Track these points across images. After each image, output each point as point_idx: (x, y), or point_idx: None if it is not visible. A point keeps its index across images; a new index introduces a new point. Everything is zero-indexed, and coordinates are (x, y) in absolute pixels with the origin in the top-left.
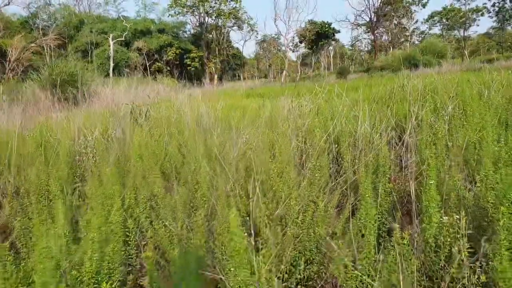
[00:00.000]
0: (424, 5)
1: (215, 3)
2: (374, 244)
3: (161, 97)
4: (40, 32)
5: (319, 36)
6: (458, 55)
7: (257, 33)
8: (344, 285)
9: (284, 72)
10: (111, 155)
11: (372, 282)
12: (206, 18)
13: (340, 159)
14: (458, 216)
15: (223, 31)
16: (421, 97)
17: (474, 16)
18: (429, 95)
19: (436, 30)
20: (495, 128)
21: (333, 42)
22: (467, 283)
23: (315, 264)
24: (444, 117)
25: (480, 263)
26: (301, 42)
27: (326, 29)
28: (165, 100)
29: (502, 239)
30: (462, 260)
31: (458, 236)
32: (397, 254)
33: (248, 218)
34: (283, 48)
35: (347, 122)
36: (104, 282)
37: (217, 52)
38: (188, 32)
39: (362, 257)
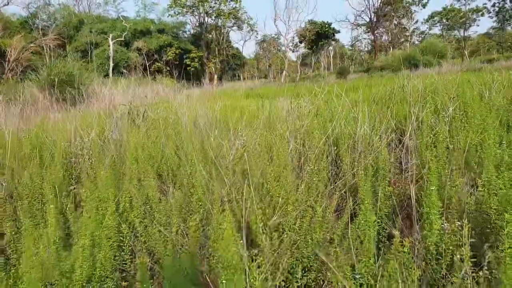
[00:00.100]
0: (424, 5)
1: (215, 3)
2: (373, 253)
3: (160, 98)
4: (40, 32)
5: (319, 36)
6: (458, 55)
7: (257, 33)
8: None
9: (284, 72)
10: (107, 157)
11: None
12: (206, 18)
13: (339, 162)
14: (459, 223)
15: (223, 31)
16: (422, 98)
17: (474, 16)
18: (429, 96)
19: (436, 30)
20: (496, 130)
21: (333, 42)
22: None
23: (313, 272)
24: (445, 118)
25: (483, 272)
26: (301, 42)
27: (326, 29)
28: (163, 100)
29: (506, 247)
30: (466, 272)
31: (460, 243)
32: (397, 263)
33: (244, 224)
34: (283, 48)
35: (346, 124)
36: None
37: (217, 52)
38: (188, 32)
39: (362, 266)
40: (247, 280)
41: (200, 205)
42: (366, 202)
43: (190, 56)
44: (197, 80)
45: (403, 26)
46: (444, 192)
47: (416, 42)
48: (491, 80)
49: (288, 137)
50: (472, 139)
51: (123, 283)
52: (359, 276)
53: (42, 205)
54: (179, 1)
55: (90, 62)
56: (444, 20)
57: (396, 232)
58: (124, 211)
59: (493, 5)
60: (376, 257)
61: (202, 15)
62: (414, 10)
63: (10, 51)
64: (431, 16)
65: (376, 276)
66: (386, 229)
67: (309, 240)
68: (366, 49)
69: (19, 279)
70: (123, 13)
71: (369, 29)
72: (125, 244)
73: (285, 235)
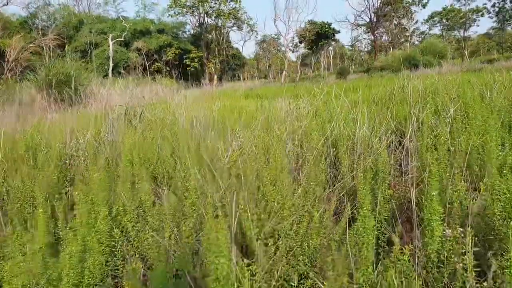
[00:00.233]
0: (424, 6)
1: (215, 3)
2: (372, 260)
3: (158, 98)
4: (40, 32)
5: (319, 36)
6: (458, 56)
7: (257, 34)
8: None
9: (284, 73)
10: (101, 159)
11: None
12: (206, 18)
13: (338, 164)
14: (462, 229)
15: (222, 31)
16: (422, 98)
17: (474, 16)
18: (429, 96)
19: (436, 30)
20: (498, 131)
21: (333, 43)
22: None
23: (310, 279)
24: (446, 119)
25: (488, 282)
26: (301, 43)
27: (326, 29)
28: (162, 101)
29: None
30: (469, 282)
31: (463, 251)
32: (397, 272)
33: (238, 230)
34: (283, 48)
35: (345, 125)
36: None
37: (216, 53)
38: (187, 33)
39: (360, 275)
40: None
41: (194, 210)
42: (364, 208)
43: (190, 56)
44: (197, 80)
45: (403, 26)
46: (445, 196)
47: (416, 42)
48: (492, 81)
49: (285, 139)
50: (474, 141)
51: None
52: (356, 286)
53: (34, 209)
54: (179, 1)
55: (90, 62)
56: (444, 20)
57: (396, 240)
58: (117, 214)
59: (493, 6)
60: (375, 264)
61: (202, 15)
62: (414, 10)
63: (9, 51)
64: (431, 16)
65: (375, 284)
66: (385, 234)
67: (306, 247)
68: (366, 49)
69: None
70: (123, 13)
71: (369, 29)
72: (117, 249)
73: (281, 242)
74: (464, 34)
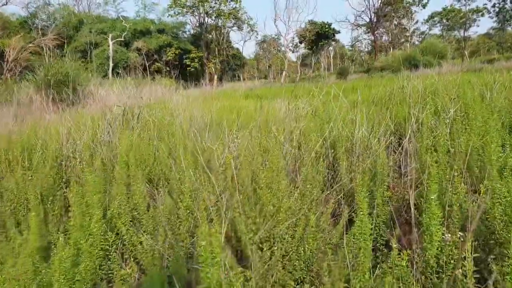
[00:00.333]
0: (424, 6)
1: (215, 3)
2: (368, 267)
3: (157, 98)
4: (39, 32)
5: (319, 36)
6: (458, 56)
7: (257, 34)
8: None
9: (284, 73)
10: (97, 160)
11: None
12: (206, 18)
13: (336, 165)
14: (461, 233)
15: (223, 31)
16: (421, 99)
17: (474, 16)
18: (429, 97)
19: (436, 30)
20: (499, 132)
21: (333, 43)
22: None
23: (306, 284)
24: (446, 120)
25: None
26: (301, 43)
27: (326, 29)
28: (161, 101)
29: None
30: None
31: (462, 256)
32: (394, 278)
33: (232, 235)
34: (283, 48)
35: (344, 126)
36: None
37: (216, 53)
38: (187, 33)
39: (356, 281)
40: None
41: (189, 213)
42: (361, 213)
43: (190, 57)
44: (197, 81)
45: (403, 27)
46: (445, 199)
47: (416, 43)
48: (492, 81)
49: (283, 140)
50: (474, 142)
51: None
52: None
53: (28, 211)
54: (179, 1)
55: (90, 62)
56: (444, 21)
57: (394, 245)
58: (112, 217)
59: (493, 6)
60: (373, 268)
61: (202, 15)
62: (414, 11)
63: (9, 51)
64: (431, 17)
65: None
66: (384, 237)
67: (302, 252)
68: (366, 49)
69: None
70: (123, 13)
71: (369, 30)
72: (111, 253)
73: (276, 247)
74: (464, 34)
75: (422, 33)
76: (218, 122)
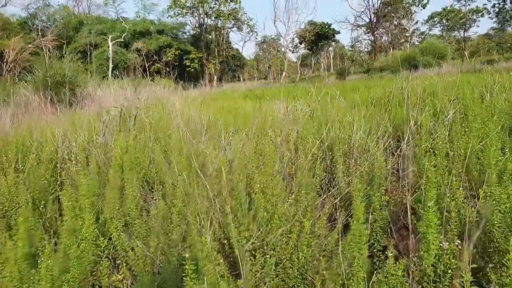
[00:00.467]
0: (424, 6)
1: (215, 4)
2: (363, 277)
3: (156, 99)
4: (39, 33)
5: (319, 37)
6: (458, 56)
7: (257, 34)
8: None
9: (284, 73)
10: (92, 163)
11: None
12: (206, 19)
13: (333, 168)
14: (459, 241)
15: (222, 32)
16: (421, 100)
17: (474, 17)
18: (428, 98)
19: (436, 31)
20: (498, 134)
21: (333, 43)
22: None
23: None
24: (445, 122)
25: None
26: (300, 43)
27: (326, 30)
28: (159, 102)
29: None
30: None
31: (461, 265)
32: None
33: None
34: (283, 49)
35: (341, 128)
36: None
37: (216, 53)
38: (187, 33)
39: None
40: None
41: (181, 218)
42: (356, 221)
43: (190, 57)
44: (196, 81)
45: (403, 27)
46: (443, 204)
47: (416, 43)
48: (492, 82)
49: (279, 143)
50: (473, 144)
51: None
52: None
53: (19, 216)
54: (178, 2)
55: (89, 63)
56: (444, 21)
57: (390, 254)
58: (105, 222)
59: (493, 6)
60: (369, 275)
61: (201, 16)
62: (414, 11)
63: (8, 52)
64: (431, 17)
65: None
66: (381, 243)
67: (295, 260)
68: (366, 49)
69: None
70: (122, 14)
71: (369, 30)
72: (103, 258)
73: (268, 255)
74: (464, 34)
75: (422, 33)
76: (215, 123)
